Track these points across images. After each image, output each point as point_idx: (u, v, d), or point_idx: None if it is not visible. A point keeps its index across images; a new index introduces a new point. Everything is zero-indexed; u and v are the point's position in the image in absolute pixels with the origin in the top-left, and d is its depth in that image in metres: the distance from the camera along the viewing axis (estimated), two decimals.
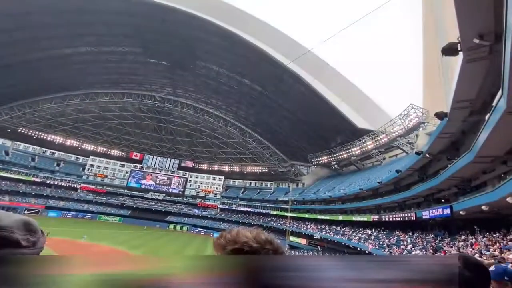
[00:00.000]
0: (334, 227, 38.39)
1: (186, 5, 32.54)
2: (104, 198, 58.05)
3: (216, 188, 66.22)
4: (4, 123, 49.39)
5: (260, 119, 53.86)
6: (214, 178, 66.59)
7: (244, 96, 48.45)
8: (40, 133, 54.14)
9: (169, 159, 65.02)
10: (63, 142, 56.99)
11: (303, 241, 42.86)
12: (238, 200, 62.88)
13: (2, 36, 33.55)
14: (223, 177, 66.54)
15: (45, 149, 56.82)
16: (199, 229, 57.48)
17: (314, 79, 35.60)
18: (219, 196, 65.50)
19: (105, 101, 51.70)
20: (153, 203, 61.78)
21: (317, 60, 36.21)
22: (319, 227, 41.61)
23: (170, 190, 64.30)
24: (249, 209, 59.58)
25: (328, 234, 37.74)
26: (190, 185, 65.89)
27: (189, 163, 65.80)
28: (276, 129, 53.20)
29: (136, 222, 55.01)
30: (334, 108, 36.31)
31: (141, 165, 63.55)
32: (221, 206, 63.43)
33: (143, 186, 62.95)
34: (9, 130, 50.95)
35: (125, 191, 61.73)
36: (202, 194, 65.45)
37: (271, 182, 63.92)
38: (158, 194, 63.49)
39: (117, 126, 59.44)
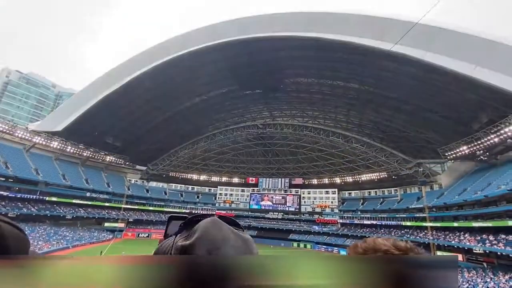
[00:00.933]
0: (503, 236, 28.55)
1: (262, 31, 35.36)
2: None
3: (332, 202, 63.36)
4: (160, 171, 66.68)
5: (365, 119, 49.05)
6: (327, 192, 64.25)
7: (340, 99, 45.85)
8: (182, 174, 69.46)
9: (279, 179, 68.33)
10: (198, 178, 70.67)
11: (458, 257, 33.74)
12: (359, 213, 57.49)
13: (147, 105, 47.70)
14: (336, 189, 63.23)
15: (187, 186, 72.01)
16: (325, 246, 55.77)
17: (425, 52, 27.93)
18: (336, 210, 62.14)
19: (221, 138, 61.18)
20: (274, 222, 65.44)
21: (424, 29, 27.34)
22: (478, 238, 31.95)
23: (287, 209, 66.53)
24: (374, 222, 53.18)
25: (496, 246, 28.34)
26: (305, 202, 66.03)
27: (298, 180, 66.73)
28: (387, 126, 46.72)
29: (263, 241, 59.32)
30: (466, 78, 26.63)
31: (258, 188, 69.57)
32: (341, 220, 59.72)
33: (263, 207, 68.10)
34: (164, 176, 68.24)
35: (249, 213, 68.61)
36: (318, 209, 64.04)
37: (395, 188, 55.34)
38: (277, 213, 66.87)
39: (233, 158, 68.56)
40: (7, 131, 41.51)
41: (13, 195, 42.02)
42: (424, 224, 42.69)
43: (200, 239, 0.64)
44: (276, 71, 43.27)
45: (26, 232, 0.73)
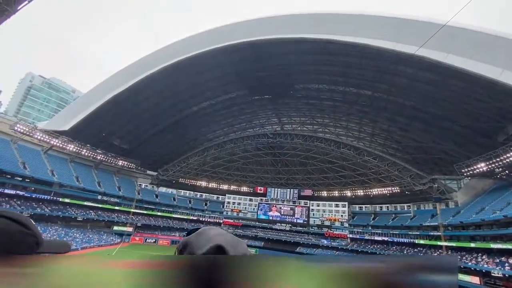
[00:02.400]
0: None
1: (269, 34, 34.23)
2: (241, 231, 65.49)
3: (341, 215, 61.84)
4: (171, 177, 67.38)
5: (378, 128, 47.37)
6: (337, 205, 62.86)
7: (352, 106, 44.46)
8: (191, 181, 69.91)
9: (288, 190, 67.48)
10: (207, 185, 70.87)
11: (474, 279, 31.99)
12: (370, 228, 55.72)
13: (155, 109, 48.21)
14: (346, 203, 61.79)
15: (196, 192, 72.26)
16: None
17: (446, 54, 25.44)
18: (346, 225, 60.51)
19: (231, 146, 61.42)
20: (281, 234, 64.24)
21: (445, 30, 24.00)
22: (497, 260, 30.22)
23: (295, 220, 65.34)
24: (385, 238, 51.33)
25: None
26: (313, 214, 64.76)
27: (308, 192, 65.70)
28: (402, 136, 44.81)
29: (269, 253, 58.17)
30: (491, 83, 24.33)
31: (266, 198, 68.89)
32: (350, 235, 58.01)
33: (271, 218, 67.14)
34: (173, 182, 68.87)
35: (256, 223, 67.73)
36: (327, 223, 62.57)
37: (408, 204, 53.54)
38: (285, 224, 65.75)
39: (242, 166, 68.53)
40: (27, 133, 43.33)
41: (29, 195, 43.37)
42: (439, 243, 40.87)
43: (198, 234, 0.78)
44: (285, 77, 42.57)
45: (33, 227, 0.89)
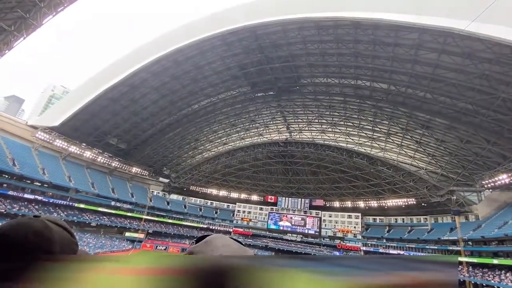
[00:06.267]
0: None
1: (271, 16, 31.02)
2: (251, 240, 64.74)
3: (354, 227, 60.11)
4: (182, 185, 68.07)
5: (395, 126, 43.02)
6: (349, 216, 61.22)
7: (365, 101, 40.88)
8: (202, 188, 70.26)
9: (299, 199, 66.46)
10: (217, 193, 70.95)
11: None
12: (384, 241, 53.76)
13: (154, 107, 47.20)
14: (359, 214, 60.09)
15: (206, 200, 72.44)
16: None
17: (481, 24, 20.81)
18: (359, 237, 58.66)
19: (242, 155, 61.60)
20: (292, 244, 63.03)
21: None
22: None
23: (306, 231, 64.02)
24: (401, 252, 49.27)
25: None
26: (325, 225, 63.28)
27: (319, 202, 64.44)
28: (422, 134, 40.06)
29: None
30: None
31: (276, 207, 68.05)
32: (364, 248, 56.08)
33: (281, 228, 66.09)
34: (184, 189, 69.49)
35: (267, 233, 66.84)
36: (339, 234, 60.91)
37: (425, 217, 51.43)
38: (296, 235, 64.50)
39: (253, 174, 68.33)
40: (48, 140, 45.22)
41: (47, 200, 44.94)
42: (459, 258, 38.79)
43: (206, 243, 0.78)
44: (290, 70, 40.15)
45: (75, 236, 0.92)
